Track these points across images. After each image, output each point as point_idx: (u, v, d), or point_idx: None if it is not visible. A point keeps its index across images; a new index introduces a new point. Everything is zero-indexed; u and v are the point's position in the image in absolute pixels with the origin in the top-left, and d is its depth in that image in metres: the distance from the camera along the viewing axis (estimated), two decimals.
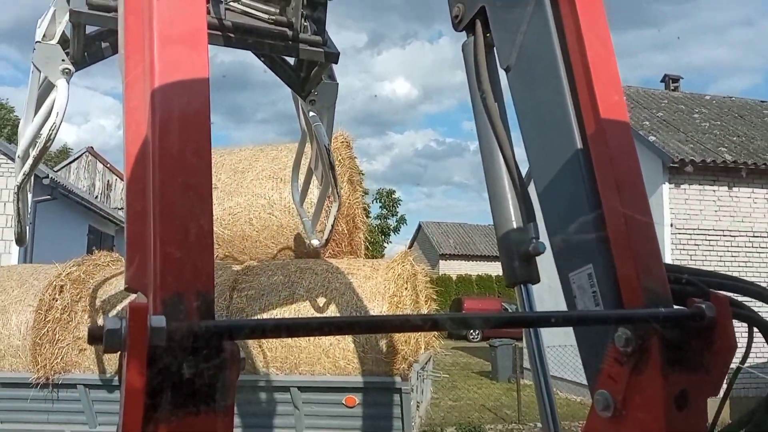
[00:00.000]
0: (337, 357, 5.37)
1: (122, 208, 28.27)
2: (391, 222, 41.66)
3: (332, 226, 4.72)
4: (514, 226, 1.93)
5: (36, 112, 3.85)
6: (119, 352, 1.04)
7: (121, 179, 29.18)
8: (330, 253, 6.54)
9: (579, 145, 1.65)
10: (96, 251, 6.63)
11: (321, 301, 5.59)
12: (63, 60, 3.56)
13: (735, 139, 14.18)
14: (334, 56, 3.86)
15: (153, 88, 1.26)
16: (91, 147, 29.94)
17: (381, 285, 5.69)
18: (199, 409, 1.07)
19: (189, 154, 1.23)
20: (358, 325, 1.61)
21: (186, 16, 1.34)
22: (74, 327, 5.70)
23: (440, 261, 41.02)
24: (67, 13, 3.41)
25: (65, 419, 5.80)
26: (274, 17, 3.57)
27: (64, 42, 3.63)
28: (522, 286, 1.93)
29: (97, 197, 27.82)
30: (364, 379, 5.29)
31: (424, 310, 6.46)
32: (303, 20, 3.62)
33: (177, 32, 1.32)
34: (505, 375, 17.16)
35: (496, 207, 1.98)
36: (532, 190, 1.85)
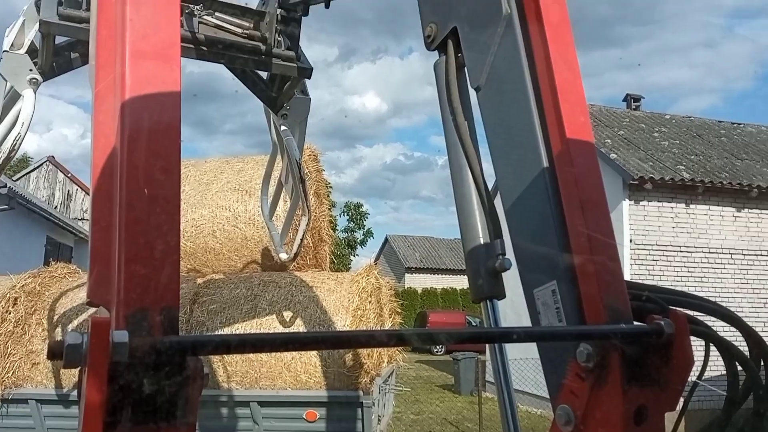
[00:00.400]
0: (298, 371, 5.31)
1: (82, 219, 27.90)
2: (358, 235, 41.62)
3: (301, 240, 4.65)
4: (482, 242, 1.95)
5: (0, 121, 3.78)
6: (79, 368, 1.03)
7: (82, 189, 28.56)
8: (295, 266, 6.47)
9: (545, 164, 1.68)
10: (53, 263, 6.44)
11: (284, 315, 5.53)
12: (31, 70, 3.54)
13: (693, 157, 14.60)
14: (307, 71, 3.89)
15: (123, 101, 1.25)
16: (52, 156, 29.20)
17: (345, 298, 5.66)
18: (160, 426, 1.06)
19: (158, 169, 1.22)
20: (324, 341, 1.61)
21: (159, 30, 1.33)
22: (27, 341, 5.52)
23: (406, 274, 41.04)
24: (37, 23, 3.37)
25: None
26: (247, 32, 3.57)
27: (32, 52, 3.60)
28: (488, 301, 1.94)
29: (56, 207, 27.10)
30: (325, 394, 5.24)
31: (388, 324, 6.45)
32: (277, 35, 3.64)
33: (150, 47, 1.31)
34: (467, 388, 17.18)
35: (464, 223, 2.00)
36: (499, 206, 1.88)
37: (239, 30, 3.56)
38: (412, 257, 42.71)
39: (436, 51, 2.14)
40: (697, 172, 13.51)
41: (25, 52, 3.57)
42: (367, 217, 42.14)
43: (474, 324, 30.49)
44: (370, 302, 5.63)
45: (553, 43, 1.68)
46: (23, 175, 27.59)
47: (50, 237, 20.34)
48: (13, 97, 3.70)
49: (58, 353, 1.02)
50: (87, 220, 22.79)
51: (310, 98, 4.30)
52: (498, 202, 1.89)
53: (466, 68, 2.00)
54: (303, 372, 5.30)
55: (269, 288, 5.79)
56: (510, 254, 1.85)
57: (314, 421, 5.20)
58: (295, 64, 3.79)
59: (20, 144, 3.60)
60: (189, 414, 1.08)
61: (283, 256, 4.95)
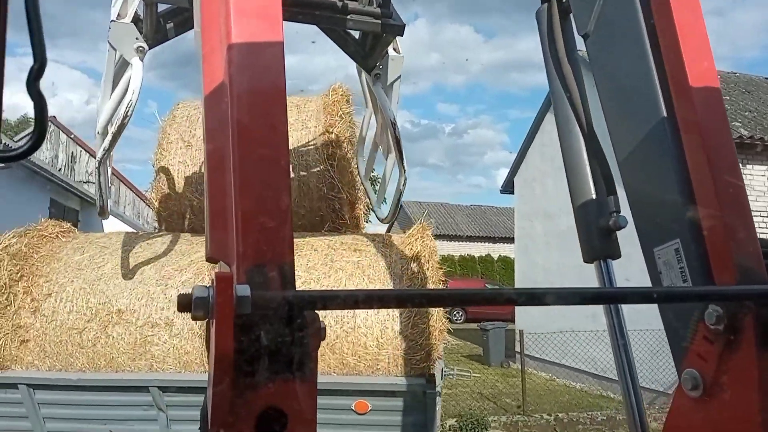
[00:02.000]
0: (345, 353, 4.32)
1: (88, 182, 27.01)
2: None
3: (398, 200, 4.71)
4: (593, 199, 1.85)
5: (113, 90, 3.91)
6: (206, 320, 1.10)
7: (86, 151, 27.57)
8: (330, 225, 5.47)
9: (664, 113, 1.60)
10: (43, 219, 5.45)
11: (324, 283, 4.53)
12: (137, 38, 3.63)
13: (747, 114, 13.37)
14: (399, 29, 3.85)
15: (230, 62, 1.26)
16: (54, 117, 28.08)
17: (397, 264, 4.65)
18: (282, 375, 1.08)
19: (266, 128, 1.24)
20: (439, 298, 1.63)
21: None
22: (14, 313, 4.55)
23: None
24: None
25: (4, 426, 4.67)
26: None
27: (136, 21, 3.69)
28: (602, 261, 1.85)
29: (60, 170, 26.17)
30: (379, 381, 4.26)
31: None
32: None
33: (252, 5, 1.31)
34: (497, 360, 16.39)
35: (573, 179, 1.90)
36: (611, 160, 1.79)
37: None
38: (427, 224, 41.58)
39: None
40: (755, 129, 12.32)
41: (131, 21, 3.63)
42: (378, 183, 40.86)
43: None
44: (428, 269, 4.61)
45: None
46: (24, 136, 26.56)
47: (54, 200, 19.53)
48: (122, 65, 3.81)
49: (186, 305, 1.07)
50: (92, 182, 22.10)
51: (402, 56, 4.24)
52: (610, 156, 1.81)
53: (572, 15, 1.91)
54: (351, 354, 4.32)
55: (304, 251, 4.78)
56: (625, 211, 1.78)
57: (365, 413, 4.23)
58: (388, 22, 3.73)
59: (132, 111, 3.65)
60: (309, 364, 1.10)
61: (382, 215, 4.98)
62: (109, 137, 3.91)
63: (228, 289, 1.05)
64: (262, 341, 1.06)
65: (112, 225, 23.11)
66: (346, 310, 4.37)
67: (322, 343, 4.02)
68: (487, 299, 1.32)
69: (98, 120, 4.08)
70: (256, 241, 1.14)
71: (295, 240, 4.14)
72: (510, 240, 37.63)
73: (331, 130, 5.41)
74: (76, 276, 4.71)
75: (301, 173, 5.32)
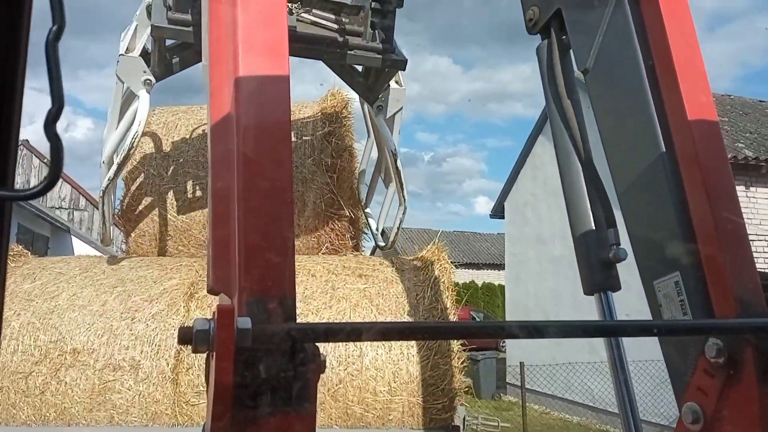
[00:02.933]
0: (350, 401, 3.56)
1: (60, 208, 26.02)
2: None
3: (398, 229, 4.80)
4: (593, 231, 1.85)
5: (119, 121, 4.01)
6: (206, 353, 1.11)
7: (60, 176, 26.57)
8: (329, 246, 4.73)
9: (663, 147, 1.62)
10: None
11: (324, 315, 3.79)
12: (144, 71, 3.71)
13: (748, 135, 12.99)
14: (401, 63, 3.92)
15: (237, 96, 1.27)
16: (26, 140, 27.10)
17: (410, 292, 3.93)
18: (282, 409, 1.07)
19: (271, 162, 1.24)
20: (445, 331, 1.77)
21: (269, 27, 1.36)
22: None
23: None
24: (149, 28, 3.63)
25: None
26: (343, 27, 3.61)
27: (144, 55, 3.82)
28: (601, 294, 1.83)
29: None
30: None
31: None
32: (371, 29, 3.66)
33: (260, 43, 1.34)
34: (488, 391, 15.61)
35: (573, 212, 1.89)
36: (611, 194, 1.80)
37: (335, 26, 3.59)
38: (410, 250, 40.82)
39: (538, 35, 2.06)
40: (759, 150, 11.90)
41: (139, 55, 3.75)
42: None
43: (477, 319, 28.84)
44: (447, 297, 3.89)
45: (670, 18, 1.61)
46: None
47: (23, 225, 18.50)
48: (129, 97, 3.92)
49: (187, 339, 1.08)
50: (65, 208, 21.13)
51: (404, 89, 4.32)
52: (610, 189, 1.81)
53: (571, 51, 1.94)
54: (357, 402, 3.56)
55: (300, 278, 4.04)
56: (624, 244, 1.77)
57: None
58: (389, 57, 3.80)
59: (138, 142, 3.75)
60: (309, 398, 1.10)
61: (381, 244, 5.02)
62: (114, 167, 3.92)
63: (229, 322, 1.05)
64: (263, 375, 1.07)
65: (83, 252, 22.14)
66: (351, 349, 3.63)
67: (323, 390, 3.18)
68: (491, 332, 1.29)
69: (104, 150, 4.13)
70: (258, 275, 1.14)
71: None
72: (494, 266, 37.04)
73: (330, 139, 4.75)
74: (24, 308, 3.90)
75: (297, 187, 4.61)
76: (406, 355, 3.63)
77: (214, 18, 1.45)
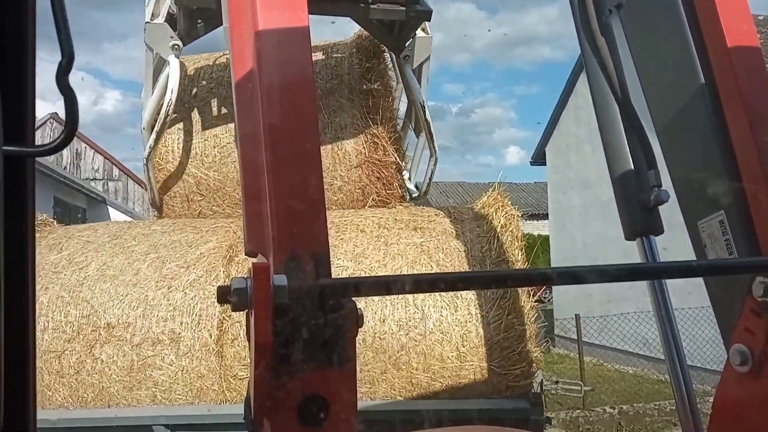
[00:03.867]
0: (414, 369, 3.17)
1: (94, 179, 26.14)
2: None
3: (430, 180, 4.81)
4: (633, 173, 1.79)
5: (153, 87, 4.06)
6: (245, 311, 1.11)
7: (91, 148, 26.62)
8: (375, 199, 4.27)
9: (703, 80, 1.57)
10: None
11: (380, 273, 3.37)
12: (171, 37, 3.78)
13: None
14: (427, 14, 3.89)
15: (258, 55, 1.26)
16: (56, 113, 27.09)
17: (474, 244, 3.48)
18: (322, 363, 1.09)
19: (296, 119, 1.24)
20: (510, 277, 1.58)
21: None
22: None
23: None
24: None
25: None
26: None
27: (170, 19, 3.85)
28: (644, 238, 1.77)
29: (65, 168, 25.21)
30: (463, 406, 3.11)
31: None
32: None
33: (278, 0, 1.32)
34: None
35: (611, 153, 1.85)
36: (651, 134, 1.74)
37: None
38: (445, 204, 40.39)
39: None
40: None
41: (164, 21, 3.78)
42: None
43: None
44: (516, 247, 3.43)
45: None
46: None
47: (58, 197, 18.53)
48: (160, 62, 3.97)
49: (225, 298, 1.10)
50: (99, 179, 21.18)
51: (431, 37, 4.24)
52: (649, 129, 1.77)
53: None
54: (422, 369, 3.16)
55: (348, 234, 3.62)
56: (666, 185, 1.74)
57: None
58: (414, 8, 3.76)
59: (172, 109, 3.82)
60: (348, 353, 1.11)
61: (414, 194, 4.85)
62: (153, 135, 3.97)
63: (265, 280, 1.07)
64: (300, 329, 1.08)
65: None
66: (412, 311, 3.23)
67: (384, 359, 2.72)
68: (533, 280, 1.41)
69: (143, 116, 4.17)
70: (290, 233, 1.16)
71: (335, 219, 2.74)
72: (532, 216, 36.27)
73: (369, 77, 4.26)
74: (52, 281, 3.58)
75: (335, 134, 4.15)
76: (474, 315, 3.20)
77: None
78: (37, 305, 3.52)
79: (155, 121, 3.99)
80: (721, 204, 1.56)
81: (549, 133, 16.81)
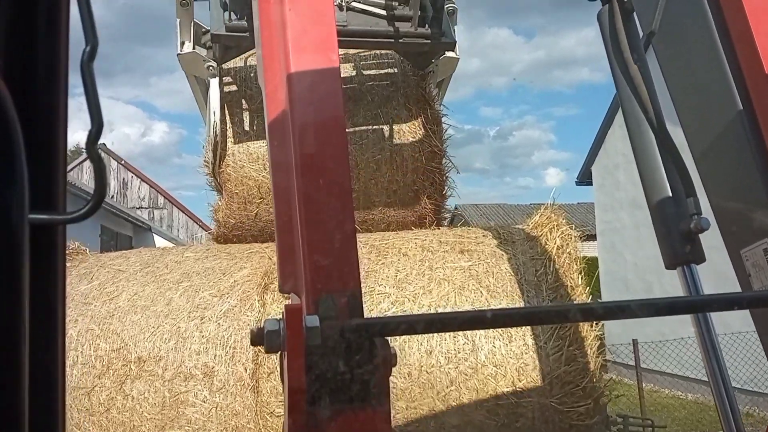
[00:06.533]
0: (465, 405, 2.88)
1: (140, 208, 26.64)
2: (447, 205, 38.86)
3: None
4: (672, 201, 1.75)
5: (205, 115, 4.19)
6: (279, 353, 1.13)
7: (137, 177, 27.20)
8: (426, 203, 4.12)
9: (740, 106, 1.54)
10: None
11: (424, 301, 3.11)
12: (204, 60, 3.83)
13: None
14: (450, 45, 3.91)
15: (290, 96, 1.29)
16: (104, 144, 27.85)
17: (527, 268, 3.19)
18: (356, 405, 1.08)
19: (328, 159, 1.25)
20: (540, 316, 1.46)
21: (317, 24, 1.36)
22: None
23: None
24: (190, 17, 3.82)
25: None
26: (392, 12, 3.55)
27: (199, 34, 3.94)
28: (685, 267, 1.74)
29: (112, 197, 25.78)
30: None
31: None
32: (420, 11, 3.56)
33: (309, 40, 1.34)
34: None
35: (649, 181, 1.81)
36: (688, 161, 1.72)
37: (384, 12, 3.55)
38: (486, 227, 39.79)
39: (599, 1, 1.97)
40: None
41: (193, 43, 3.85)
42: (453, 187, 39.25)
43: None
44: (574, 271, 3.13)
45: None
46: (75, 166, 26.37)
47: (105, 226, 18.89)
48: (203, 84, 4.11)
49: (259, 340, 1.12)
50: (145, 208, 21.60)
51: (458, 58, 4.16)
52: (686, 156, 1.74)
53: (635, 14, 1.88)
54: (474, 407, 2.86)
55: (390, 258, 3.37)
56: (706, 213, 1.70)
57: None
58: (438, 41, 3.73)
59: (219, 129, 3.88)
60: (383, 393, 1.10)
61: None
62: (210, 154, 4.09)
63: (298, 321, 1.08)
64: (333, 372, 1.07)
65: None
66: (461, 342, 2.95)
67: (432, 395, 2.42)
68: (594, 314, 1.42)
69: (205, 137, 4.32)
70: (322, 272, 1.15)
71: (376, 243, 2.45)
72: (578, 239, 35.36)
73: (422, 84, 4.16)
74: (82, 313, 3.43)
75: (394, 141, 4.06)
76: (531, 347, 2.90)
77: (265, 20, 1.46)
78: (66, 340, 3.39)
79: (211, 142, 4.08)
80: (764, 231, 1.50)
81: (594, 153, 16.32)
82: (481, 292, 3.08)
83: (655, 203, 1.79)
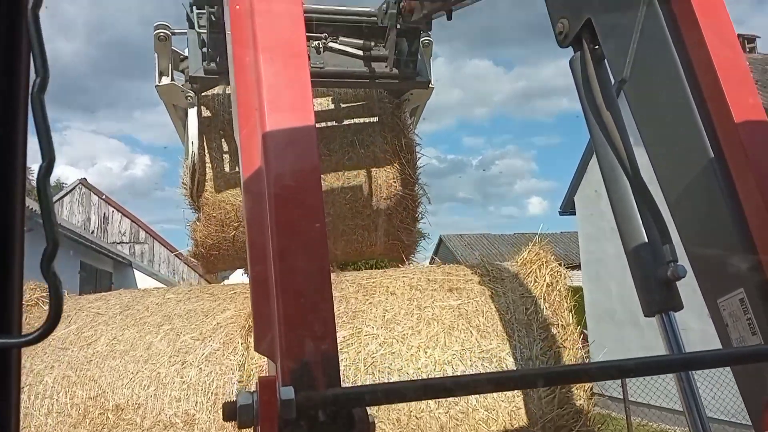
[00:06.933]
0: None
1: (121, 243, 26.29)
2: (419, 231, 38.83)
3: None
4: (648, 248, 1.72)
5: (183, 142, 4.14)
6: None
7: (118, 211, 26.89)
8: (397, 226, 4.26)
9: (711, 154, 1.55)
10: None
11: (413, 342, 3.03)
12: (182, 90, 3.84)
13: None
14: (424, 84, 3.99)
15: (266, 156, 1.26)
16: (84, 179, 27.56)
17: (517, 307, 3.13)
18: None
19: (304, 220, 1.22)
20: (525, 379, 1.53)
21: (292, 85, 1.34)
22: None
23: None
24: (167, 49, 3.77)
25: None
26: (368, 53, 3.64)
27: (177, 62, 3.94)
28: (663, 315, 1.71)
29: (93, 232, 25.43)
30: None
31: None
32: (395, 55, 3.64)
33: (285, 101, 1.32)
34: None
35: (625, 228, 1.80)
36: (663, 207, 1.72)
37: (360, 52, 3.62)
38: (471, 257, 39.70)
39: (570, 47, 1.99)
40: None
41: (171, 78, 3.85)
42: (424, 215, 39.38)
43: None
44: (564, 310, 3.08)
45: (705, 19, 1.54)
46: (56, 201, 26.05)
47: (84, 262, 18.52)
48: (183, 113, 4.07)
49: (232, 415, 1.06)
50: (126, 243, 21.34)
51: (433, 88, 4.18)
52: (660, 202, 1.72)
53: (606, 61, 1.90)
54: None
55: (378, 297, 3.30)
56: (683, 260, 1.67)
57: None
58: (412, 81, 3.84)
59: (197, 157, 3.87)
60: None
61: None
62: (188, 183, 4.07)
63: (272, 395, 1.03)
64: None
65: (146, 284, 22.16)
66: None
67: (434, 426, 2.34)
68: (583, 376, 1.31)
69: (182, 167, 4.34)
70: (298, 340, 1.10)
71: (363, 281, 2.39)
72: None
73: (398, 113, 4.22)
74: (58, 360, 3.30)
75: (368, 168, 4.10)
76: (523, 389, 2.83)
77: (240, 77, 1.42)
78: (41, 386, 3.26)
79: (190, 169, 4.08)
80: (740, 281, 1.48)
81: (577, 183, 16.46)
82: (471, 332, 3.02)
83: (631, 250, 1.77)
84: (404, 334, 3.07)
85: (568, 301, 3.07)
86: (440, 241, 43.33)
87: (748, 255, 1.46)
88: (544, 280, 3.17)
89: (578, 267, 18.15)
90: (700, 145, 1.57)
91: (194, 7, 3.58)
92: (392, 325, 3.14)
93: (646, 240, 1.74)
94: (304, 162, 1.28)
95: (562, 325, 2.95)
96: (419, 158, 4.30)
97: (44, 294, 3.86)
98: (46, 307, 3.44)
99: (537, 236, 3.59)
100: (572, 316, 3.02)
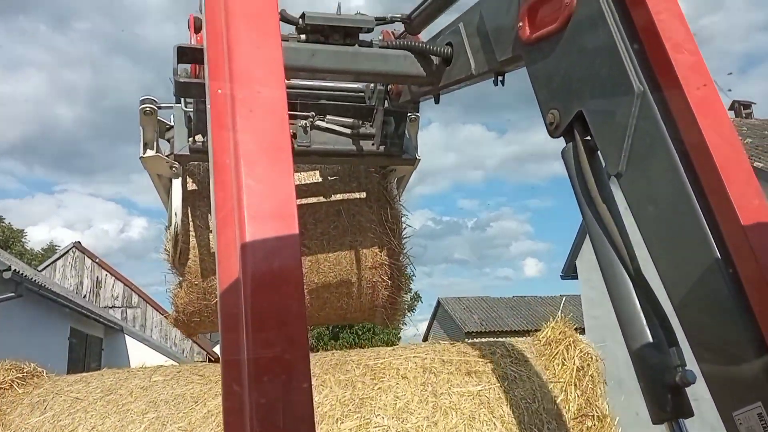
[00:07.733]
0: None
1: (113, 307, 25.73)
2: (405, 299, 38.30)
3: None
4: (654, 352, 1.61)
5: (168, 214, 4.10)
6: None
7: (111, 275, 26.45)
8: (383, 296, 4.09)
9: (717, 254, 1.45)
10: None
11: None
12: (166, 162, 3.78)
13: None
14: (411, 161, 3.96)
15: (244, 262, 1.18)
16: (78, 242, 27.21)
17: (543, 393, 2.80)
18: None
19: (286, 347, 1.13)
20: None
21: (276, 191, 1.26)
22: None
23: (466, 340, 36.64)
24: (152, 120, 3.71)
25: None
26: (356, 131, 3.58)
27: (164, 129, 3.89)
28: (673, 423, 1.61)
29: (85, 296, 24.91)
30: None
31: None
32: (382, 133, 3.60)
33: (267, 209, 1.24)
34: None
35: (628, 329, 1.68)
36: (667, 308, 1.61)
37: (347, 130, 3.57)
38: (470, 320, 38.69)
39: (561, 138, 1.91)
40: None
41: (156, 150, 3.81)
42: (412, 280, 38.85)
43: None
44: (600, 395, 2.75)
45: (703, 118, 1.48)
46: (49, 264, 25.64)
47: (75, 329, 18.00)
48: (168, 183, 3.97)
49: None
50: (118, 307, 20.83)
51: (419, 160, 4.13)
52: (665, 302, 1.60)
53: (600, 153, 1.79)
54: None
55: (388, 381, 2.97)
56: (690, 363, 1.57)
57: None
58: (399, 156, 3.80)
59: (181, 227, 3.80)
60: None
61: None
62: (171, 251, 4.01)
63: None
64: None
65: (137, 350, 21.47)
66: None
67: None
68: None
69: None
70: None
71: (370, 362, 2.08)
72: None
73: (384, 183, 4.11)
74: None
75: (354, 237, 3.98)
76: None
77: (219, 179, 1.32)
78: None
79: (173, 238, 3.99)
80: (757, 393, 1.37)
81: (578, 246, 16.23)
82: (494, 423, 2.68)
83: (636, 353, 1.66)
84: (419, 426, 2.73)
85: (603, 388, 2.75)
86: (438, 304, 42.77)
87: (765, 365, 1.35)
88: (573, 363, 2.86)
89: (582, 331, 17.68)
90: (705, 244, 1.48)
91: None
92: (405, 414, 2.80)
93: (652, 342, 1.64)
94: (286, 280, 1.19)
95: (598, 416, 2.62)
96: (405, 228, 4.25)
97: (21, 375, 3.52)
98: (22, 390, 3.11)
99: (559, 313, 3.30)
100: (608, 405, 2.70)
